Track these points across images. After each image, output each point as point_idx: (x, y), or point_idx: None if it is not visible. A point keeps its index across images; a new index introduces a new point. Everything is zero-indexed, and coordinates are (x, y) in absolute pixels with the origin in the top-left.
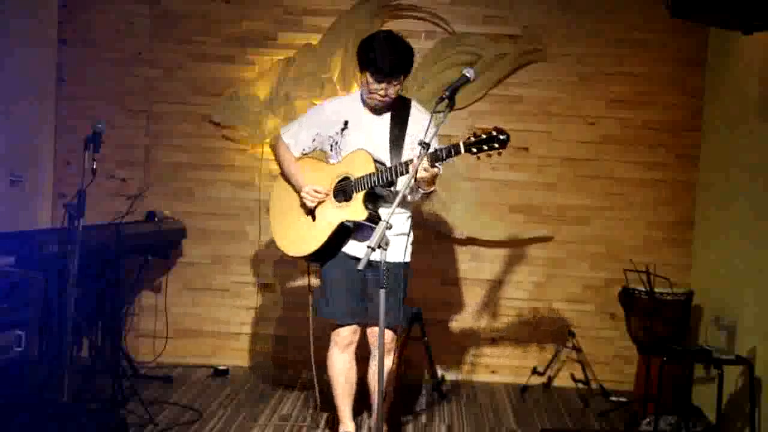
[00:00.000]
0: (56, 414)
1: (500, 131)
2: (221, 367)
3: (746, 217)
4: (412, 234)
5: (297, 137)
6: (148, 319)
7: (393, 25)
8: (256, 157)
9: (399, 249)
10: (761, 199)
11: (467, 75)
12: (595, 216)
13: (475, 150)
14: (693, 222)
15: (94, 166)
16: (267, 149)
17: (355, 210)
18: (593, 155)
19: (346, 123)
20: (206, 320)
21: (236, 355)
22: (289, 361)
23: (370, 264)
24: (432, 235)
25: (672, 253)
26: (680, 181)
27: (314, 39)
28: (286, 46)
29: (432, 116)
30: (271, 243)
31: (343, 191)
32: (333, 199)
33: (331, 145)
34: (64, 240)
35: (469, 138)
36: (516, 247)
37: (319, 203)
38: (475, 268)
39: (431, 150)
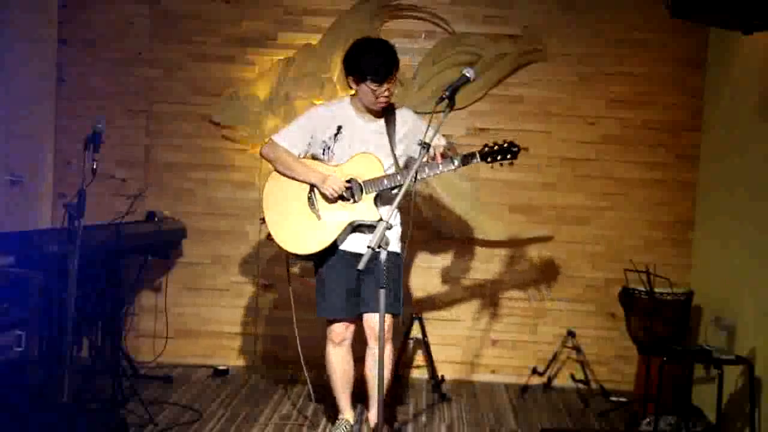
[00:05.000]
0: (56, 414)
1: (512, 144)
2: (221, 367)
3: (746, 217)
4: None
5: (292, 141)
6: (148, 319)
7: (393, 25)
8: (256, 157)
9: (394, 240)
10: (761, 199)
11: (467, 75)
12: (595, 216)
13: (489, 159)
14: (693, 222)
15: (94, 166)
16: None
17: (367, 211)
18: (593, 155)
19: (339, 128)
20: (206, 320)
21: (236, 355)
22: (288, 361)
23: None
24: (432, 235)
25: (672, 253)
26: (680, 181)
27: (314, 39)
28: (286, 46)
29: (432, 116)
30: (271, 243)
31: (349, 191)
32: (339, 199)
33: (324, 150)
34: (64, 240)
35: (483, 149)
36: (516, 247)
37: (326, 200)
38: (475, 268)
39: (454, 162)
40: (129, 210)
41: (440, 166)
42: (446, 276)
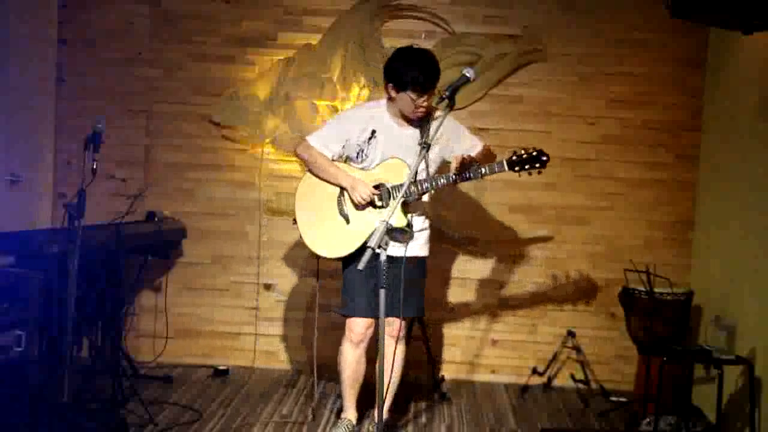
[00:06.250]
0: (56, 414)
1: (541, 152)
2: (221, 367)
3: (746, 217)
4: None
5: (327, 144)
6: (148, 319)
7: (393, 25)
8: (256, 157)
9: (421, 244)
10: (761, 199)
11: (467, 75)
12: (595, 216)
13: (517, 168)
14: (693, 222)
15: (94, 166)
16: (267, 149)
17: (396, 216)
18: (593, 155)
19: (373, 132)
20: (206, 320)
21: (236, 355)
22: (289, 361)
23: (390, 259)
24: (432, 235)
25: (672, 253)
26: (680, 181)
27: (314, 39)
28: (286, 46)
29: (432, 116)
30: (271, 243)
31: (378, 196)
32: (369, 205)
33: (358, 153)
34: (64, 240)
35: (511, 157)
36: (516, 247)
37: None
38: (475, 268)
39: (481, 170)
40: (129, 210)
41: (467, 174)
42: (446, 276)
